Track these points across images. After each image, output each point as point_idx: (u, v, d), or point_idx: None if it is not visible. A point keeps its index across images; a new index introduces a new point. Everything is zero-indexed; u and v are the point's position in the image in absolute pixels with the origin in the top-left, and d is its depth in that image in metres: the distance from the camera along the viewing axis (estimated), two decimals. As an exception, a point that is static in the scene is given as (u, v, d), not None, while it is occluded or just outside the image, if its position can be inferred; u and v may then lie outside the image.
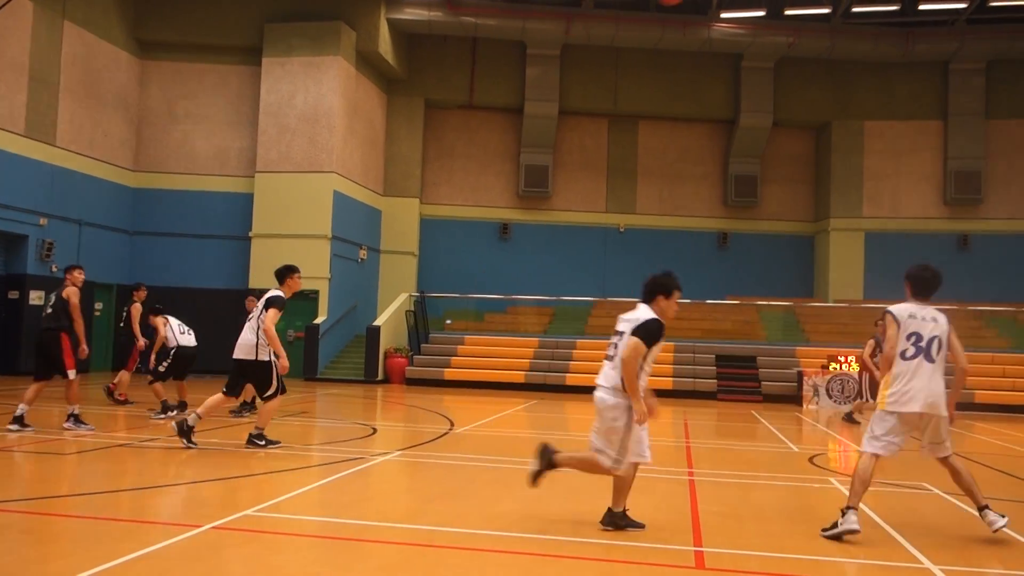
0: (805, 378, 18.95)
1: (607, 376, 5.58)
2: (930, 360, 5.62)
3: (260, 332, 8.59)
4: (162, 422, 10.76)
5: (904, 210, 25.57)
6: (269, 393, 8.73)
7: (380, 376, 21.52)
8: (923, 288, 5.87)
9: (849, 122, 25.87)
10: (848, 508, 5.62)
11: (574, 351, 21.77)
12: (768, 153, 26.59)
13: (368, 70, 24.05)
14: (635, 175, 26.84)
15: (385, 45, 23.57)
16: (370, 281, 25.05)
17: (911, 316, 5.73)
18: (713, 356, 21.20)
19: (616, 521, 5.66)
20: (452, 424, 12.24)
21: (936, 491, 7.67)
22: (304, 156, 22.10)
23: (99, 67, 21.25)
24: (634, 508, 5.62)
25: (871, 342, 14.15)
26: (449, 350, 22.25)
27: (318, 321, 21.73)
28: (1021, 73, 24.92)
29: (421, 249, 26.13)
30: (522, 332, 23.50)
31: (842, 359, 18.96)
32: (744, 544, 5.46)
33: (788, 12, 24.10)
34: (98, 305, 21.26)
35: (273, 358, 8.66)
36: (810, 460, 9.74)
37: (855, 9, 23.87)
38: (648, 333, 5.44)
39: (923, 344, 5.65)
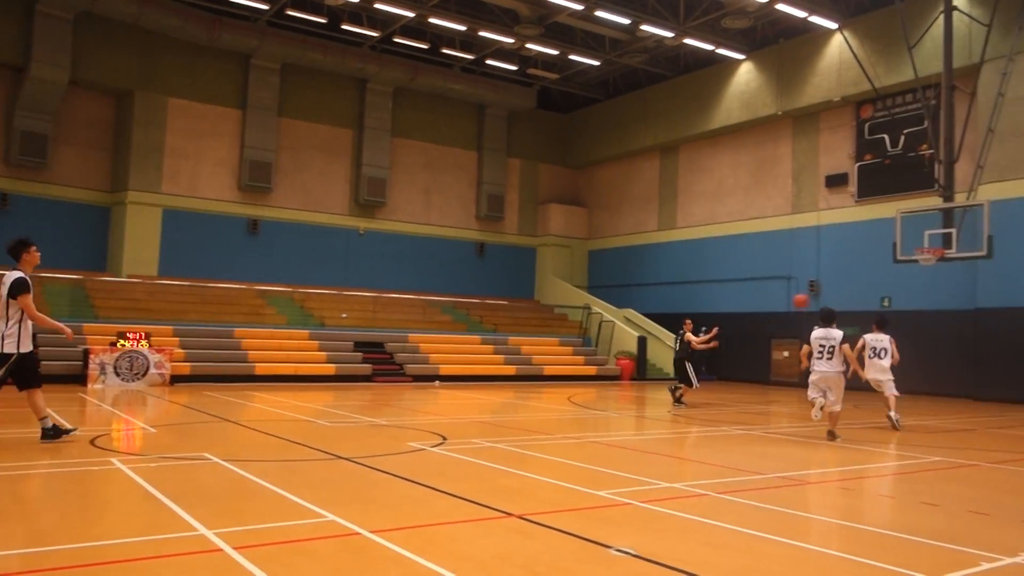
0: (92, 356, 17.97)
1: (831, 365, 11.06)
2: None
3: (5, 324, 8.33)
4: None
5: (202, 191, 26.26)
6: None
7: None
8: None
9: (153, 95, 25.40)
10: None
11: None
12: (64, 112, 24.38)
13: None
14: None
15: None
16: None
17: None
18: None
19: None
20: None
21: (216, 460, 8.05)
22: None
23: None
24: None
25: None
26: None
27: None
28: (308, 80, 28.00)
29: None
30: None
31: (132, 335, 18.54)
32: (4, 545, 4.86)
33: (92, -35, 22.54)
34: None
35: (21, 349, 8.38)
36: (92, 442, 9.24)
37: (165, -18, 23.65)
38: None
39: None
